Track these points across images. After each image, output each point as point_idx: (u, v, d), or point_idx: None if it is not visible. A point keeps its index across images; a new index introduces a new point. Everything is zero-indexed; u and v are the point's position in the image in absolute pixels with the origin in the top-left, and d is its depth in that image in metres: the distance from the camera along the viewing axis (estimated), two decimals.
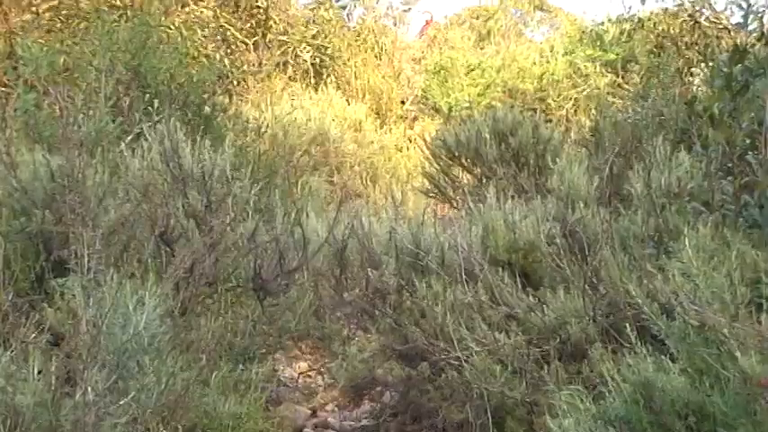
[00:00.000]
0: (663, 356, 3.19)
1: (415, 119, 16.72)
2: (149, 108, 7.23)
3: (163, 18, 10.95)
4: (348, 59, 16.62)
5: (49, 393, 3.06)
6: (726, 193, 4.34)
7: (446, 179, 8.57)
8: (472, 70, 16.94)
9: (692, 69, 11.79)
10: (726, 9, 13.70)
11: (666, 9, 14.44)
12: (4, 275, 3.74)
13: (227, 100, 10.63)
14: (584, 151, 7.51)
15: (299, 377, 6.85)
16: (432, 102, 16.85)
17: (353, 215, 5.82)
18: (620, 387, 3.18)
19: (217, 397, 4.32)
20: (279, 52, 15.52)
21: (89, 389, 3.03)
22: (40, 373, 3.14)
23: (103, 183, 4.69)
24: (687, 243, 3.27)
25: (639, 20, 14.89)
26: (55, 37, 10.03)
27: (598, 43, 15.76)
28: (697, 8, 13.89)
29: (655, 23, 14.49)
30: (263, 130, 10.67)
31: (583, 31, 16.76)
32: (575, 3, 32.73)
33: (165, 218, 4.78)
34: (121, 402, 3.17)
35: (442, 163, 8.57)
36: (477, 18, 24.63)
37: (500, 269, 5.03)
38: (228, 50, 13.76)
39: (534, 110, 14.17)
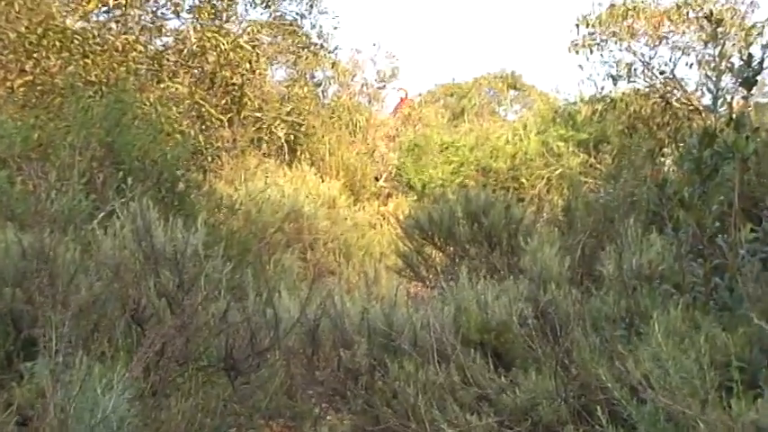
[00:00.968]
0: None
1: (388, 196, 16.79)
2: (123, 185, 7.21)
3: (138, 94, 11.00)
4: (322, 136, 16.74)
5: None
6: (696, 275, 4.37)
7: (419, 258, 8.58)
8: (446, 148, 17.11)
9: (664, 150, 11.91)
10: (696, 90, 13.88)
11: (638, 90, 14.61)
12: None
13: (201, 176, 10.65)
14: (557, 231, 7.55)
15: None
16: (405, 179, 16.97)
17: (326, 294, 5.79)
18: None
19: None
20: (253, 129, 15.57)
21: None
22: None
23: (75, 261, 4.66)
24: (657, 326, 3.28)
25: (612, 100, 15.01)
26: (29, 113, 10.02)
27: (571, 123, 15.93)
28: (668, 89, 14.06)
29: (627, 104, 14.65)
30: (236, 207, 10.66)
31: (555, 111, 16.95)
32: (547, 81, 33.15)
33: (136, 297, 4.75)
34: None
35: (415, 242, 8.59)
36: (452, 96, 24.99)
37: (472, 349, 5.01)
38: (203, 127, 13.76)
39: (507, 188, 14.34)
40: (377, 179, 17.14)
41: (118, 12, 13.53)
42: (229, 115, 14.87)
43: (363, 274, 9.88)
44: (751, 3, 14.06)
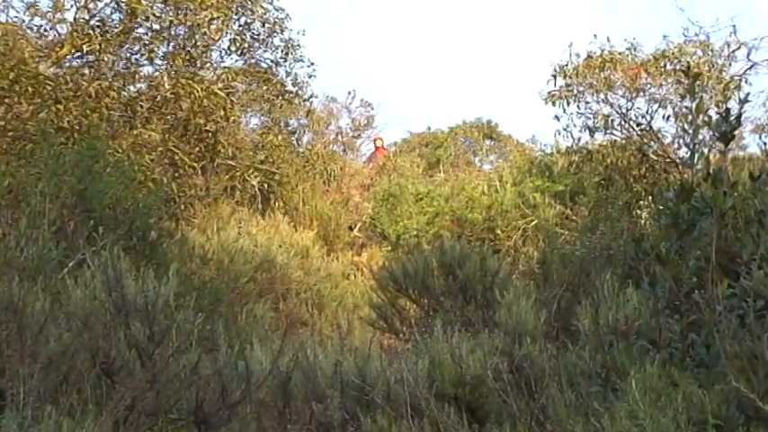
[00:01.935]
0: None
1: (362, 246, 16.80)
2: (94, 233, 7.19)
3: (110, 141, 10.99)
4: (296, 185, 16.73)
5: None
6: (673, 331, 4.39)
7: (393, 310, 8.59)
8: (421, 199, 17.17)
9: (641, 203, 11.96)
10: (673, 142, 13.95)
11: (615, 141, 14.65)
12: None
13: (173, 225, 10.62)
14: (533, 284, 7.60)
15: None
16: (380, 229, 16.98)
17: (299, 346, 5.79)
18: None
19: None
20: (227, 177, 15.53)
21: None
22: None
23: (44, 311, 4.65)
24: (634, 383, 3.30)
25: (588, 151, 15.01)
26: (0, 159, 10.00)
27: (547, 174, 16.01)
28: (645, 141, 14.13)
29: (603, 155, 14.68)
30: (208, 256, 10.64)
31: (532, 162, 17.04)
32: (524, 131, 33.36)
33: (106, 349, 4.73)
34: None
35: (389, 293, 8.60)
36: (427, 146, 25.09)
37: (446, 404, 5.02)
38: (176, 174, 13.72)
39: (482, 240, 14.36)
40: (351, 229, 17.14)
41: (91, 57, 13.53)
42: (203, 163, 14.81)
43: (337, 326, 9.89)
44: (728, 56, 14.22)
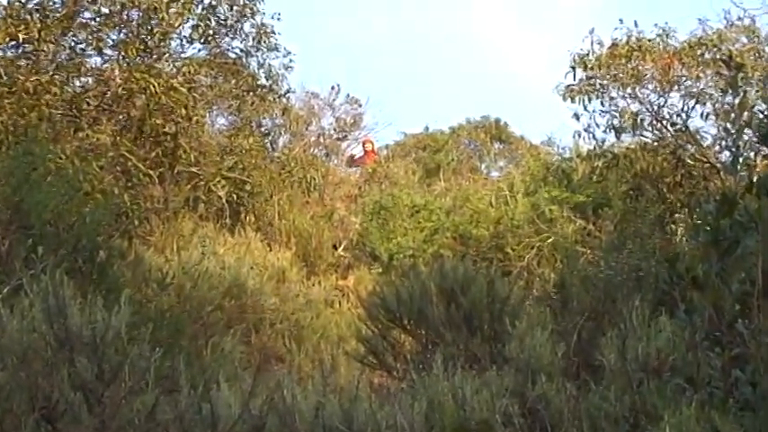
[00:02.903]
0: None
1: (349, 267, 16.80)
2: (32, 254, 7.17)
3: (51, 145, 10.97)
4: (271, 196, 16.74)
5: None
6: (713, 367, 4.38)
7: (385, 343, 8.59)
8: (417, 212, 17.18)
9: (675, 216, 11.94)
10: (714, 144, 13.84)
11: (645, 144, 14.59)
12: None
13: (125, 244, 10.59)
14: (548, 312, 7.61)
15: None
16: (369, 247, 16.95)
17: (274, 385, 5.78)
18: None
19: None
20: (189, 187, 15.45)
21: None
22: None
23: None
24: (668, 429, 3.29)
25: (614, 156, 14.92)
26: None
27: (565, 183, 15.97)
28: (680, 143, 14.06)
29: (632, 160, 14.61)
30: (167, 280, 10.63)
31: (548, 168, 16.97)
32: (538, 132, 33.19)
33: (47, 390, 4.72)
34: None
35: (380, 324, 8.60)
36: (425, 149, 25.14)
37: None
38: (129, 184, 13.68)
39: (490, 260, 14.34)
40: (335, 247, 17.13)
41: (29, 47, 13.53)
42: (160, 170, 14.75)
43: (318, 362, 9.89)
44: None
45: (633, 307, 4.95)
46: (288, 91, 17.96)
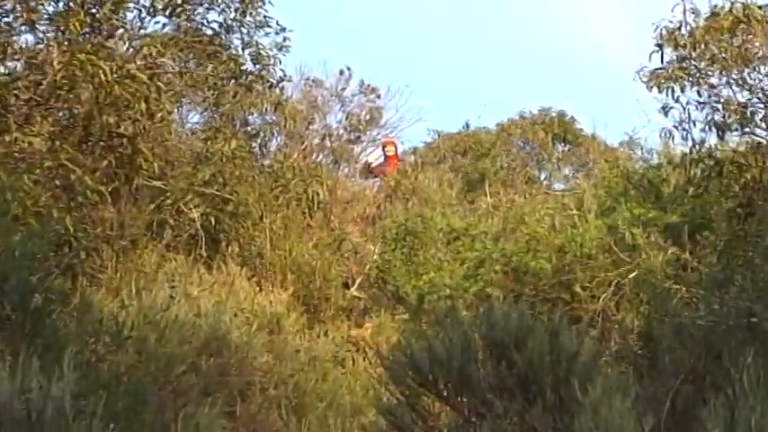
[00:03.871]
0: None
1: (365, 312, 16.90)
2: None
3: None
4: (260, 218, 16.83)
5: None
6: None
7: (413, 415, 8.61)
8: (456, 238, 17.28)
9: None
10: None
11: (758, 144, 14.49)
12: None
13: (68, 284, 10.63)
14: (632, 372, 7.64)
15: None
16: (392, 286, 17.04)
17: None
18: None
19: None
20: (152, 207, 15.48)
21: None
22: None
23: None
24: None
25: (716, 162, 14.74)
26: None
27: (652, 198, 15.95)
28: None
29: (740, 167, 14.51)
30: (124, 333, 10.69)
31: (628, 178, 16.93)
32: (616, 130, 32.89)
33: None
34: None
35: (407, 389, 8.62)
36: (464, 154, 25.16)
37: None
38: (72, 204, 13.70)
39: (553, 302, 14.41)
40: (347, 286, 17.24)
41: None
42: (114, 185, 14.70)
43: None
44: None
45: (744, 365, 4.97)
46: (282, 79, 17.85)
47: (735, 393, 4.86)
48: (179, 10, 15.93)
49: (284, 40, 17.13)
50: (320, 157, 20.48)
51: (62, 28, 14.39)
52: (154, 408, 9.34)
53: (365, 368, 13.62)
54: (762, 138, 14.41)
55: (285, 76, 17.95)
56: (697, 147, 14.91)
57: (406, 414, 8.65)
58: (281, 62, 17.35)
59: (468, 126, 26.14)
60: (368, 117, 22.31)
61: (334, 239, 17.77)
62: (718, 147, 14.89)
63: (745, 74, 14.21)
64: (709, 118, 14.46)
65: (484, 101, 29.23)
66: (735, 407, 4.71)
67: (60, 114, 14.21)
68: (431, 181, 20.44)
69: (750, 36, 14.18)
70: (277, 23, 16.93)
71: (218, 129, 17.04)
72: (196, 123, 17.89)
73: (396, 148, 22.54)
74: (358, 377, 13.41)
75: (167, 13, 15.86)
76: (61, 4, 14.48)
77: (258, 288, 15.37)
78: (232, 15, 16.57)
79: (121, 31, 15.25)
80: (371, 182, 21.70)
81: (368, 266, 17.59)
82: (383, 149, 22.39)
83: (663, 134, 15.30)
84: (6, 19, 14.35)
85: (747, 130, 14.34)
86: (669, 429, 5.58)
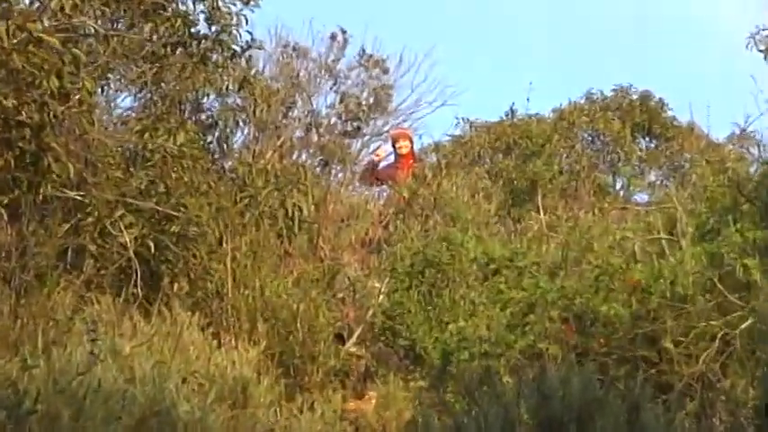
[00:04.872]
0: None
1: (367, 377, 16.81)
2: None
3: None
4: (220, 243, 16.71)
5: None
6: None
7: None
8: (496, 272, 17.11)
9: None
10: None
11: None
12: None
13: None
14: None
15: None
16: (405, 339, 16.95)
17: None
18: None
19: None
20: (66, 227, 15.47)
21: None
22: None
23: None
24: None
25: None
26: None
27: None
28: None
29: None
30: (26, 405, 10.61)
31: (739, 186, 16.90)
32: (723, 118, 32.94)
33: None
34: None
35: None
36: (507, 152, 25.04)
37: None
38: None
39: (632, 364, 14.24)
40: (341, 339, 17.14)
41: None
42: (12, 196, 14.73)
43: None
44: None
45: None
46: (250, 45, 17.93)
47: None
48: None
49: None
50: (304, 156, 20.31)
51: None
52: None
53: None
54: None
55: (254, 41, 17.99)
56: None
57: None
58: (247, 21, 17.36)
59: (512, 113, 25.98)
60: (371, 100, 22.18)
61: (323, 273, 17.64)
62: None
63: None
64: None
65: (534, 78, 29.11)
66: None
67: None
68: (460, 190, 20.24)
69: None
70: None
71: (160, 117, 16.93)
72: (129, 109, 17.72)
73: (411, 143, 22.46)
74: None
75: None
76: None
77: (216, 342, 15.20)
78: None
79: None
80: (376, 191, 21.59)
81: (371, 311, 17.48)
82: (393, 145, 22.32)
83: None
84: None
85: None
86: None
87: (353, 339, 17.16)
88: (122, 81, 17.53)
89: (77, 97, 15.02)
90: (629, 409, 8.21)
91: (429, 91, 22.30)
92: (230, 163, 18.61)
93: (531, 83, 26.36)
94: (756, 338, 14.67)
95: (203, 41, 17.01)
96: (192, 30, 16.85)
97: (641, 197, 21.96)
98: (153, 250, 16.10)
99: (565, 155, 22.90)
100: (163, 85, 17.19)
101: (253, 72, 18.86)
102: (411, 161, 21.98)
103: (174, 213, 16.23)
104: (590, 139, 24.44)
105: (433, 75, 22.87)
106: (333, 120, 21.29)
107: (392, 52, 22.20)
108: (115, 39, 16.56)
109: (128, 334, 14.56)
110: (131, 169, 16.34)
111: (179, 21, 16.66)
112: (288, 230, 17.95)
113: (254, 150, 19.14)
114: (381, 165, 22.10)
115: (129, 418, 12.44)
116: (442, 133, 25.48)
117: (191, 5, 16.81)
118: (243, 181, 18.02)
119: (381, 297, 17.59)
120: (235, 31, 17.25)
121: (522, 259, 17.22)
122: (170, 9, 16.59)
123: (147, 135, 16.66)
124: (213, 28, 17.05)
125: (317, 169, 20.16)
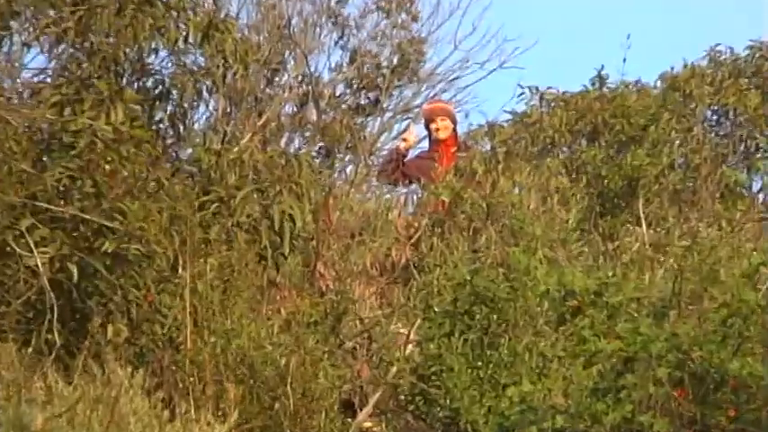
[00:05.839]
0: None
1: None
2: None
3: None
4: (173, 268, 16.05)
5: None
6: None
7: None
8: (577, 312, 16.43)
9: None
10: None
11: None
12: None
13: None
14: None
15: None
16: (445, 409, 16.31)
17: None
18: None
19: None
20: None
21: None
22: None
23: None
24: None
25: None
26: None
27: None
28: None
29: None
30: None
31: None
32: None
33: None
34: None
35: None
36: (594, 136, 24.45)
37: None
38: None
39: None
40: (350, 407, 16.49)
41: None
42: None
43: None
44: None
45: None
46: None
47: None
48: None
49: None
50: (297, 142, 19.70)
51: None
52: None
53: None
54: None
55: None
56: None
57: None
58: None
59: (601, 81, 25.41)
60: (394, 60, 21.49)
61: (324, 313, 16.97)
62: None
63: None
64: None
65: (633, 31, 28.66)
66: None
67: None
68: (525, 192, 19.63)
69: None
70: None
71: (86, 83, 16.28)
72: (41, 71, 17.07)
73: (453, 123, 21.83)
74: None
75: None
76: None
77: (168, 413, 14.55)
78: None
79: None
80: (403, 193, 20.91)
81: (394, 369, 16.80)
82: (428, 127, 21.72)
83: None
84: None
85: None
86: None
87: (368, 409, 16.51)
88: (31, 30, 16.92)
89: None
90: None
91: (480, 48, 21.85)
92: (190, 151, 17.92)
93: (628, 36, 25.94)
94: None
95: None
96: None
97: None
98: (76, 278, 15.50)
99: (678, 142, 22.29)
100: (90, 35, 16.55)
101: (223, 16, 18.16)
102: (453, 149, 21.43)
103: (108, 224, 15.61)
104: (715, 118, 23.84)
105: (484, 25, 22.46)
106: (339, 89, 20.58)
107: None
108: None
109: (40, 400, 13.95)
110: (44, 159, 15.72)
111: None
112: (274, 250, 17.27)
113: (225, 133, 18.47)
114: (410, 155, 21.55)
115: None
116: (499, 109, 24.97)
117: None
118: (208, 177, 17.35)
119: (410, 348, 16.95)
120: None
121: (615, 294, 16.55)
122: None
123: (67, 110, 16.04)
124: None
125: (317, 161, 19.45)
